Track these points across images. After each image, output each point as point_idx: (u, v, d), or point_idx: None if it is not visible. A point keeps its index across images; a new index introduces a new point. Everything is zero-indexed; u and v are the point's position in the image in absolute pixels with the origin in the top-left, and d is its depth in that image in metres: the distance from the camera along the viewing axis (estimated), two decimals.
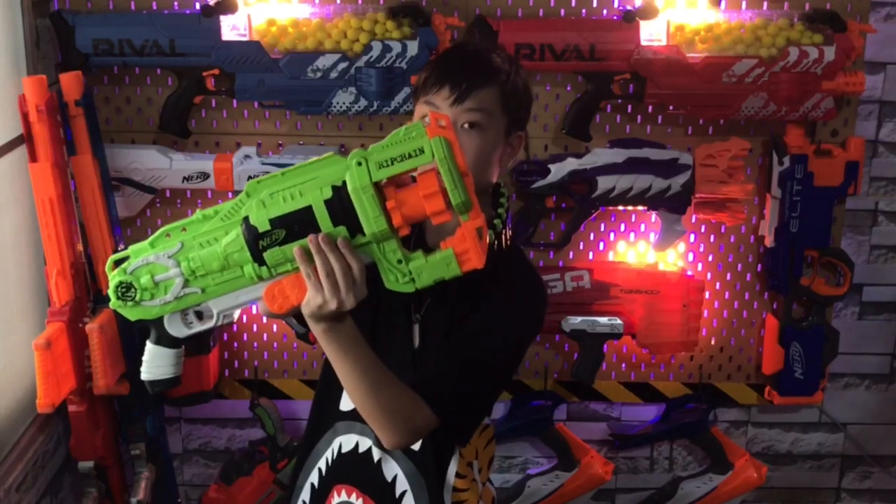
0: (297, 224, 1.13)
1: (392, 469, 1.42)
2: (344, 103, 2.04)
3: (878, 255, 2.33)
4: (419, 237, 1.42)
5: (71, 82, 1.92)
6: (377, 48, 2.00)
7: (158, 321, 1.20)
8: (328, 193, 1.12)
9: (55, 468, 2.05)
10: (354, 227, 1.13)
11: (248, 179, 2.05)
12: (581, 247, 2.25)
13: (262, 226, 1.13)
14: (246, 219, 1.13)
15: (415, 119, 1.41)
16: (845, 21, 2.03)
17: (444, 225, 1.17)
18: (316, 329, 1.20)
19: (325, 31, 2.02)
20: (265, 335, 2.28)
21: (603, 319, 2.18)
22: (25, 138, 1.86)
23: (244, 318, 2.27)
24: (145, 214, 2.17)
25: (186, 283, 1.17)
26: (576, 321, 2.18)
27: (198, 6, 2.03)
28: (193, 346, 2.15)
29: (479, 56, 1.41)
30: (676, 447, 2.45)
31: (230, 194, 2.13)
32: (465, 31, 2.07)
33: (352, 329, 1.21)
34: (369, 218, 1.12)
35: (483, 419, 1.45)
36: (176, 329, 1.20)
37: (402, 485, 1.42)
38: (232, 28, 2.01)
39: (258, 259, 1.14)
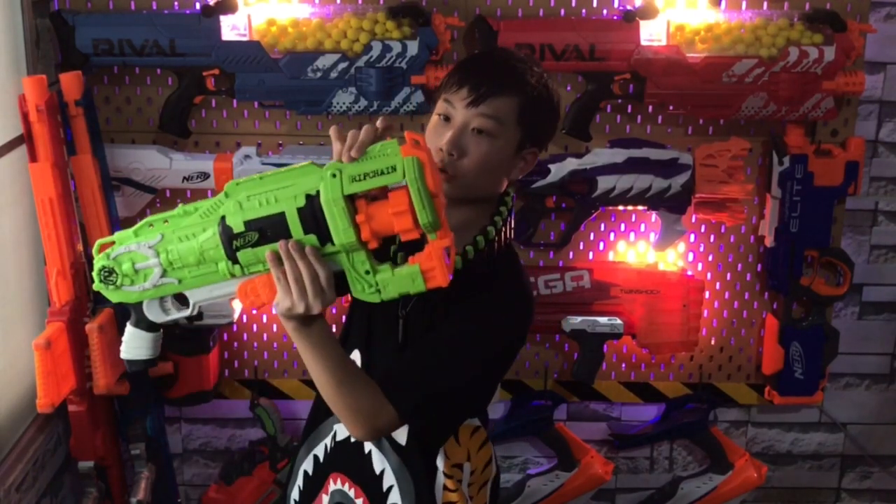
0: (269, 229, 1.17)
1: (381, 462, 1.42)
2: (344, 103, 2.04)
3: (878, 255, 2.33)
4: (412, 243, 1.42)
5: (71, 82, 1.93)
6: (377, 48, 2.00)
7: (138, 305, 1.26)
8: (301, 202, 1.16)
9: (55, 468, 2.05)
10: (324, 237, 1.17)
11: None
12: (581, 247, 2.25)
13: (237, 227, 1.17)
14: (223, 218, 1.18)
15: (433, 115, 1.41)
16: (845, 21, 2.03)
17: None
18: (287, 326, 1.25)
19: (325, 31, 2.02)
20: (265, 335, 2.28)
21: (603, 319, 2.18)
22: (25, 138, 1.86)
23: (244, 318, 2.27)
24: (145, 214, 2.16)
25: (164, 273, 1.21)
26: (576, 321, 2.18)
27: (198, 6, 2.03)
28: (193, 346, 2.16)
29: (508, 65, 1.39)
30: (676, 447, 2.45)
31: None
32: (465, 31, 2.08)
33: (320, 328, 1.25)
34: (339, 229, 1.15)
35: (454, 423, 1.44)
36: (154, 314, 1.26)
37: (390, 479, 1.42)
38: (232, 28, 2.01)
39: (232, 258, 1.19)
